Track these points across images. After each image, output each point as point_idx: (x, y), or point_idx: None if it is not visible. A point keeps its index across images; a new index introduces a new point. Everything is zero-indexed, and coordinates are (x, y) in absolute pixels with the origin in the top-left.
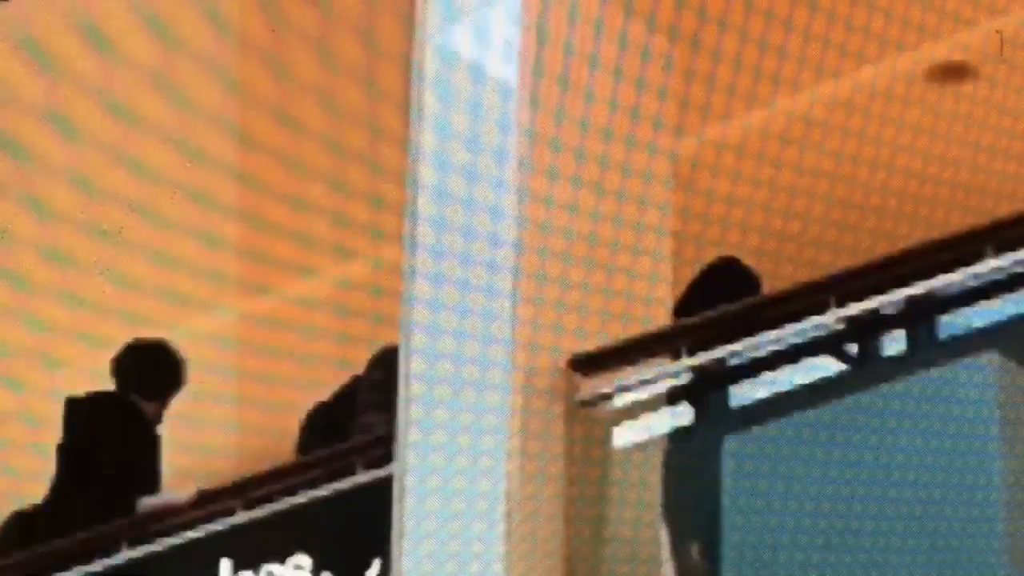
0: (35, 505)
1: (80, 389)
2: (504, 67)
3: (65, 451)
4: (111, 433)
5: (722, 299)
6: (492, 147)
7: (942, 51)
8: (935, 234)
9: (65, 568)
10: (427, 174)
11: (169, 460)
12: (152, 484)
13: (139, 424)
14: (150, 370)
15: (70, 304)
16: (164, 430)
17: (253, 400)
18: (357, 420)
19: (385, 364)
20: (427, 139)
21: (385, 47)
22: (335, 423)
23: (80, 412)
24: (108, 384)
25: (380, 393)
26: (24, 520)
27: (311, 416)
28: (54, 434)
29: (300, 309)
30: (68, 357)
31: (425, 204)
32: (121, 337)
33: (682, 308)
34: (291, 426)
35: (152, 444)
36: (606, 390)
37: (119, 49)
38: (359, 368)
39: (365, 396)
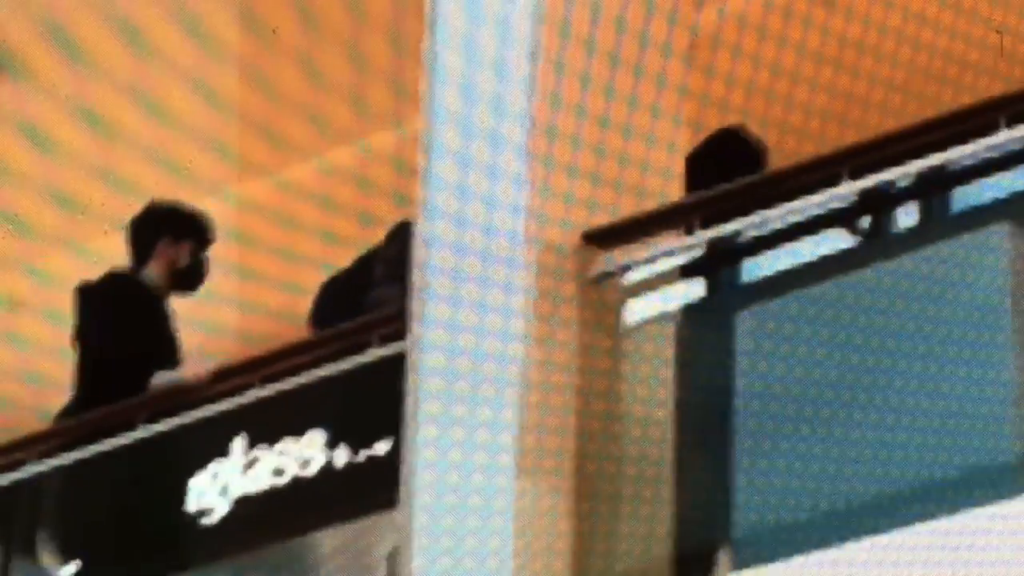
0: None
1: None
2: None
3: (79, 338)
4: (116, 313)
5: (728, 169)
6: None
7: None
8: (947, 107)
9: (84, 444)
10: (445, 55)
11: (185, 338)
12: (171, 356)
13: (145, 299)
14: (141, 229)
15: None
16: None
17: (268, 279)
18: (371, 293)
19: (400, 238)
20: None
21: None
22: (348, 296)
23: (84, 296)
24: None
25: (394, 267)
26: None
27: (324, 288)
28: None
29: (319, 183)
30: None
31: (439, 86)
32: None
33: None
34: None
35: (162, 317)
36: (620, 263)
37: None
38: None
39: (379, 269)
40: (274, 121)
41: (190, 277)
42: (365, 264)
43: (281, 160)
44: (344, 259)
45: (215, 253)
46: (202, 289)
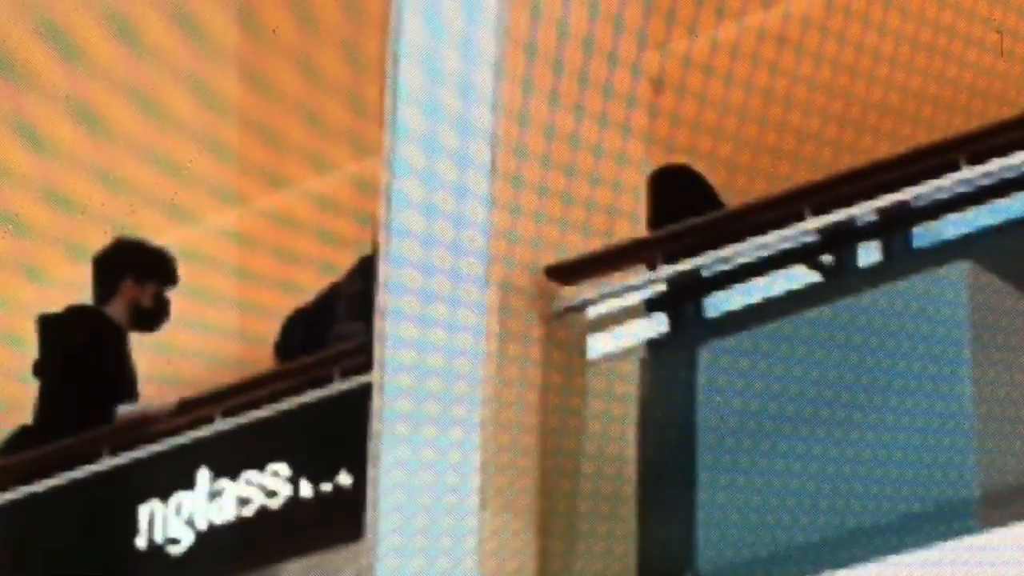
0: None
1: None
2: None
3: (41, 368)
4: (80, 346)
5: (676, 205)
6: (468, 48)
7: None
8: (910, 144)
9: (47, 475)
10: (409, 76)
11: (152, 366)
12: (130, 391)
13: (108, 333)
14: (106, 266)
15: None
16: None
17: (240, 304)
18: (333, 329)
19: (362, 274)
20: (405, 28)
21: None
22: (313, 330)
23: (49, 328)
24: None
25: (356, 304)
26: (24, 435)
27: (289, 320)
28: None
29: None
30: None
31: (405, 110)
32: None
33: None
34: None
35: (124, 353)
36: (583, 299)
37: None
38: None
39: (341, 306)
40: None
41: (152, 317)
42: (330, 298)
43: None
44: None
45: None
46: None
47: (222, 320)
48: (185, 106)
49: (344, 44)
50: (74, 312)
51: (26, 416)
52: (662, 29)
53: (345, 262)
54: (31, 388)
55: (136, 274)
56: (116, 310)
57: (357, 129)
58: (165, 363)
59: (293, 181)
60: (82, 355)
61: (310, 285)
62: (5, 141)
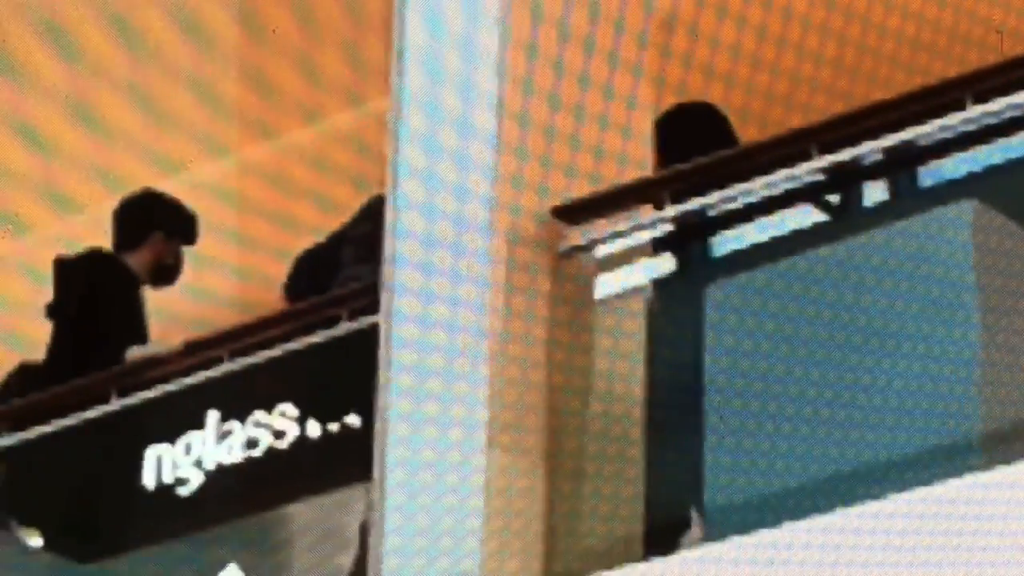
0: (39, 362)
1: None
2: None
3: (54, 311)
4: (92, 290)
5: (693, 143)
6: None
7: None
8: (917, 82)
9: (57, 416)
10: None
11: (166, 306)
12: (139, 337)
13: (124, 281)
14: (137, 217)
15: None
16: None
17: (251, 244)
18: (340, 274)
19: (370, 217)
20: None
21: None
22: (321, 272)
23: (65, 271)
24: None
25: (363, 247)
26: (28, 373)
27: (299, 262)
28: None
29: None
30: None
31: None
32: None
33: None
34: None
35: (136, 301)
36: (590, 238)
37: None
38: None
39: (348, 250)
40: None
41: (169, 274)
42: (339, 240)
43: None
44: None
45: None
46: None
47: (223, 258)
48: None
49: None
50: (90, 257)
51: None
52: None
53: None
54: None
55: (167, 230)
56: (138, 260)
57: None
58: (165, 299)
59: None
60: (94, 299)
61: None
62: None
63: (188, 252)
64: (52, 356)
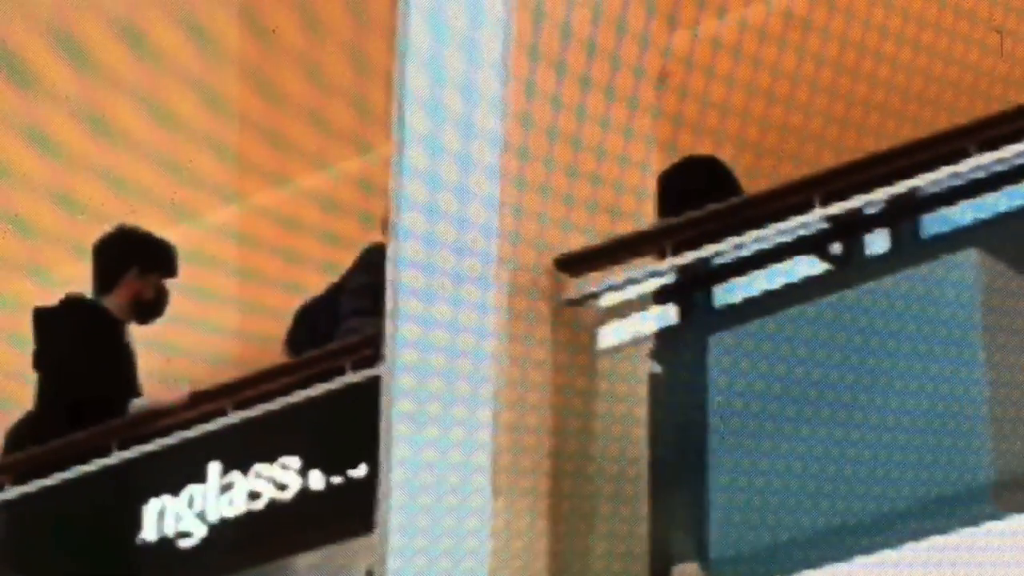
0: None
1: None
2: None
3: (36, 361)
4: (72, 339)
5: (701, 193)
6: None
7: None
8: (919, 133)
9: (58, 469)
10: (415, 78)
11: (152, 363)
12: (126, 385)
13: (106, 326)
14: (109, 257)
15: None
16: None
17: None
18: (340, 326)
19: (366, 267)
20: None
21: None
22: (321, 324)
23: (43, 321)
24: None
25: (360, 298)
26: (29, 420)
27: (299, 315)
28: None
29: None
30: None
31: (409, 108)
32: None
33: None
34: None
35: (119, 344)
36: (593, 289)
37: None
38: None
39: (346, 302)
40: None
41: (152, 309)
42: (337, 292)
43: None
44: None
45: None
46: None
47: (223, 320)
48: (190, 108)
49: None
50: (67, 304)
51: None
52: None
53: (347, 261)
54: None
55: (141, 266)
56: (116, 301)
57: (361, 129)
58: (165, 362)
59: (295, 180)
60: (75, 348)
61: (312, 285)
62: (14, 143)
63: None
64: (39, 406)
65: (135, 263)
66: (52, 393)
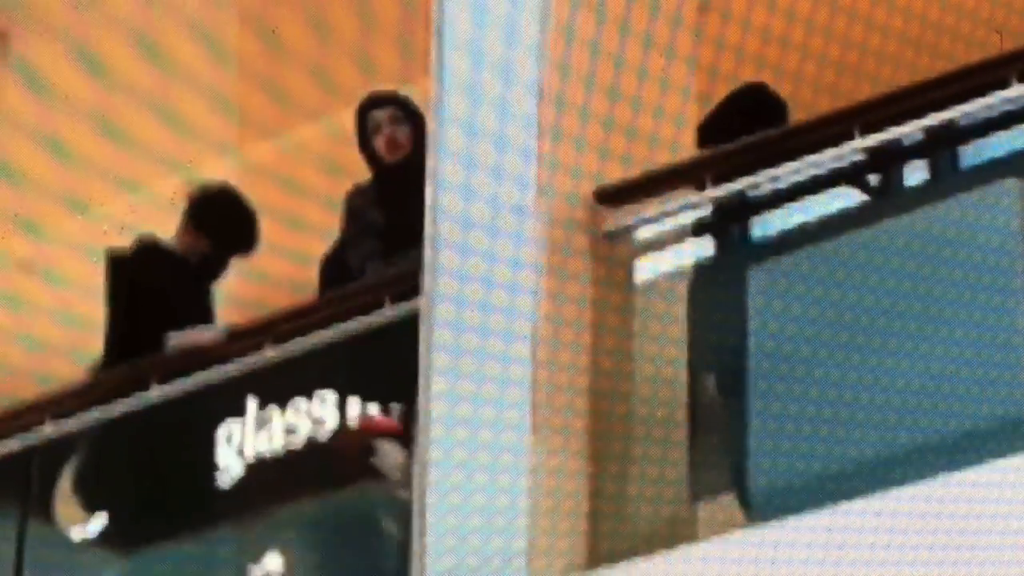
0: None
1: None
2: None
3: (108, 302)
4: (140, 281)
5: (749, 125)
6: None
7: None
8: (958, 62)
9: (101, 403)
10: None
11: None
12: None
13: (166, 266)
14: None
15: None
16: None
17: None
18: (349, 252)
19: (351, 215)
20: None
21: None
22: (345, 270)
23: (109, 263)
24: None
25: (363, 245)
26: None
27: (323, 268)
28: None
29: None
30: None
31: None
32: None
33: (707, 132)
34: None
35: (182, 282)
36: (631, 221)
37: None
38: None
39: (354, 256)
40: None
41: (201, 268)
42: (349, 237)
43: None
44: None
45: None
46: None
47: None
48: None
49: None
50: (138, 248)
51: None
52: None
53: None
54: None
55: (195, 223)
56: (178, 245)
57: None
58: None
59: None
60: (142, 289)
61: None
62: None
63: None
64: (107, 347)
65: (192, 217)
66: (114, 333)
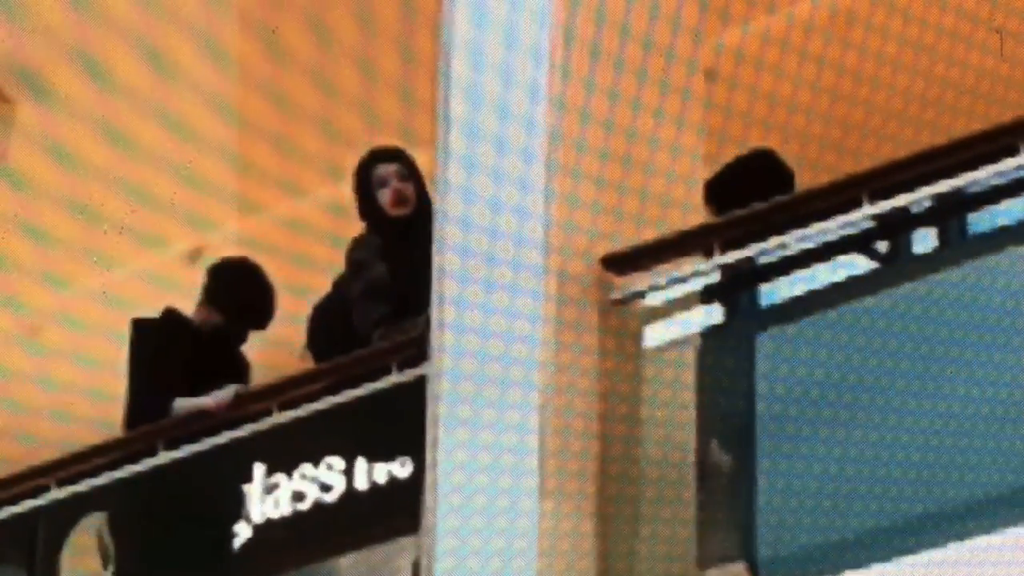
0: None
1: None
2: None
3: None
4: (160, 350)
5: (756, 191)
6: (528, 40)
7: None
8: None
9: (108, 469)
10: (459, 69)
11: None
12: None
13: (184, 336)
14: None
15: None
16: None
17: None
18: (355, 312)
19: (356, 268)
20: (460, 29)
21: None
22: (336, 320)
23: (134, 332)
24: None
25: (370, 300)
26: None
27: (313, 316)
28: None
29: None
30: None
31: (457, 104)
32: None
33: (714, 191)
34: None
35: (202, 351)
36: (639, 288)
37: None
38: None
39: (359, 311)
40: (289, 135)
41: (212, 337)
42: (340, 289)
43: (296, 173)
44: None
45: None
46: None
47: None
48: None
49: (399, 41)
50: (163, 318)
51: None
52: (716, 24)
53: None
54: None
55: (209, 298)
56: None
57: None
58: None
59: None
60: (162, 357)
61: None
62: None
63: None
64: (128, 412)
65: (207, 293)
66: (131, 400)
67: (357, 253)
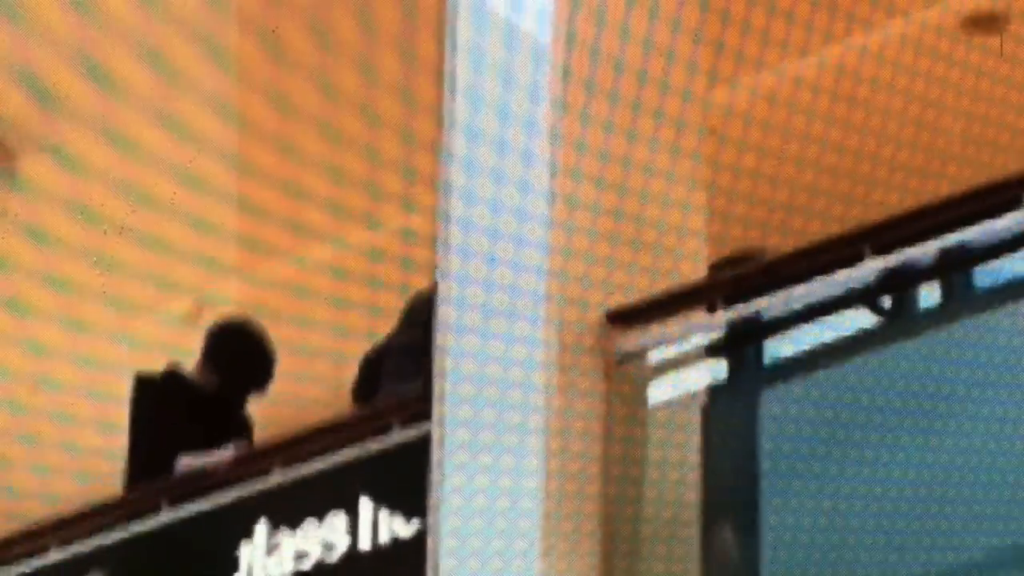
0: None
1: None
2: (537, 4)
3: (130, 426)
4: (161, 408)
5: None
6: (525, 87)
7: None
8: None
9: (111, 527)
10: (461, 110)
11: None
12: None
13: (184, 394)
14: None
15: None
16: None
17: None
18: (386, 384)
19: (410, 324)
20: (460, 71)
21: None
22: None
23: (136, 389)
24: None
25: (405, 359)
26: None
27: (363, 363)
28: None
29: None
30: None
31: (458, 143)
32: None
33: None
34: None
35: (203, 410)
36: (643, 344)
37: None
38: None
39: (390, 362)
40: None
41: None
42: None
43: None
44: None
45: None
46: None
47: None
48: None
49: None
50: (165, 376)
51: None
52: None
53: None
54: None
55: (206, 357)
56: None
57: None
58: None
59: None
60: (163, 416)
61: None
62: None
63: None
64: (128, 471)
65: (205, 352)
66: (131, 457)
67: (412, 306)
